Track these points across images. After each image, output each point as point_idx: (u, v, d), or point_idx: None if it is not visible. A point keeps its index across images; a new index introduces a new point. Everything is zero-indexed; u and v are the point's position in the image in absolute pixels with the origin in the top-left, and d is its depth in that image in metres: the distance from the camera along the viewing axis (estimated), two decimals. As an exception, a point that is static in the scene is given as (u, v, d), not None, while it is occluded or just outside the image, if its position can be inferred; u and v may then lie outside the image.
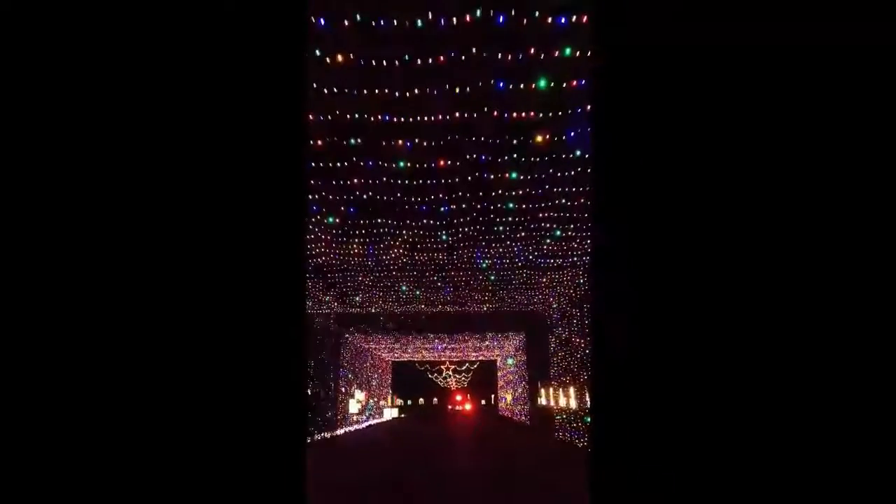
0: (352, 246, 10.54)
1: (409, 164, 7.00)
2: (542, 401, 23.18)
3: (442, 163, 6.99)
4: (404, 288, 14.35)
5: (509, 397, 34.70)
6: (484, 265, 12.47)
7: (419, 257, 11.45)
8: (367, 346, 27.81)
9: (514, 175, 7.46)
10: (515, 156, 6.93)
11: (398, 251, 10.98)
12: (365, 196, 7.95)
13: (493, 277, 13.52)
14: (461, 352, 30.90)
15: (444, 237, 10.04)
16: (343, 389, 24.12)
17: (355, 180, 7.45)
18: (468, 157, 6.94)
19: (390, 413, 37.05)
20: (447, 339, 25.04)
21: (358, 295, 15.27)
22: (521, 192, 7.96)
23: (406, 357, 33.54)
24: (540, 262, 11.87)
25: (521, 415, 27.97)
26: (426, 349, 29.50)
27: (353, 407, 27.34)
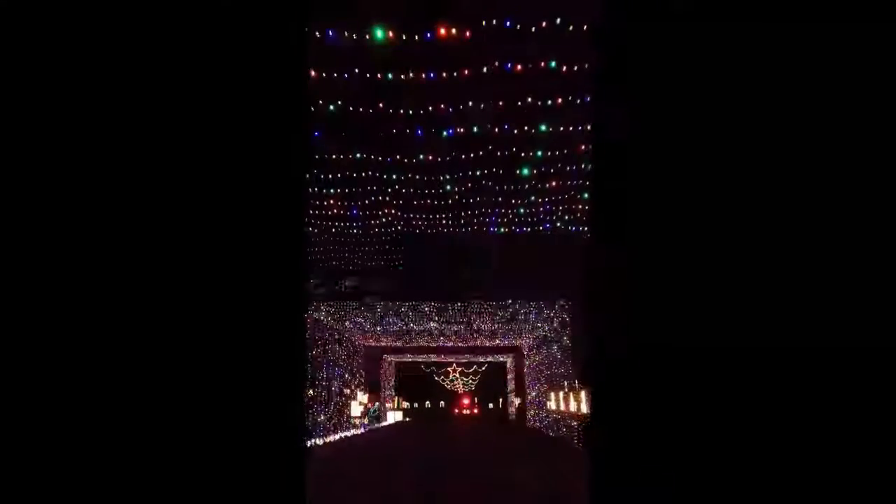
0: (328, 202, 7.97)
1: (391, 34, 4.41)
2: (552, 405, 21.07)
3: (443, 31, 4.39)
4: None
5: (517, 401, 32.58)
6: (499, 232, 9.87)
7: (417, 222, 8.86)
8: (365, 344, 25.22)
9: (553, 64, 4.86)
10: (559, 21, 4.32)
11: (390, 211, 8.41)
12: (331, 105, 5.37)
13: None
14: (469, 352, 28.30)
15: (448, 187, 7.46)
16: (347, 391, 21.59)
17: (312, 72, 4.86)
18: (483, 22, 4.34)
19: (393, 416, 34.57)
20: (454, 338, 22.47)
21: (347, 279, 12.69)
22: (559, 100, 5.37)
23: (410, 358, 30.94)
24: (571, 231, 9.25)
25: (534, 420, 25.30)
26: (431, 349, 26.94)
27: (356, 410, 25.09)
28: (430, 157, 6.44)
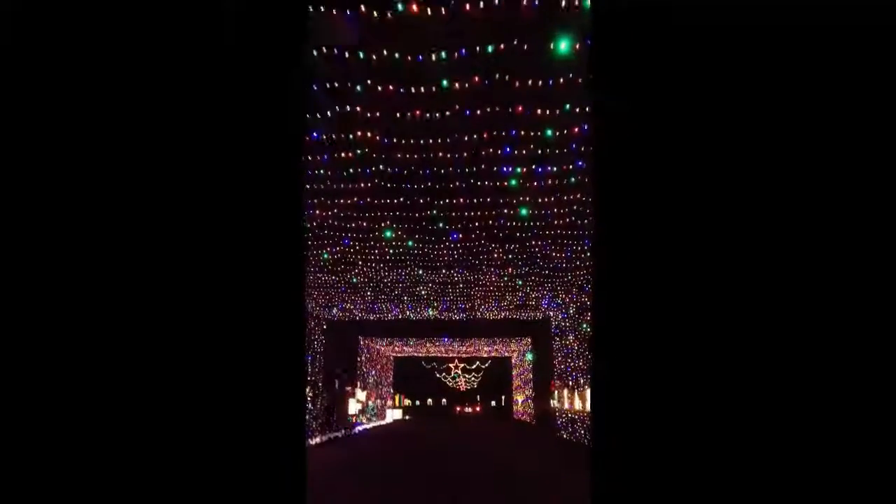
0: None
1: None
2: (556, 403, 19.12)
3: None
4: (389, 233, 9.25)
5: (520, 398, 30.46)
6: (514, 182, 7.36)
7: (403, 153, 6.35)
8: (361, 335, 22.70)
9: None
10: None
11: (364, 135, 5.90)
12: None
13: (524, 212, 8.39)
14: (472, 346, 25.81)
15: (445, 82, 4.96)
16: (339, 386, 19.12)
17: None
18: None
19: (392, 415, 32.16)
20: (456, 329, 19.99)
21: (324, 250, 10.19)
22: None
23: (408, 351, 28.46)
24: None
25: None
26: (432, 343, 24.46)
27: (353, 407, 22.81)
28: (415, 8, 3.91)
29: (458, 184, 7.26)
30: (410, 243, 9.64)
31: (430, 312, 16.35)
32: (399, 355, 30.54)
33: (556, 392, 19.31)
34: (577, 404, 16.35)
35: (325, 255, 10.59)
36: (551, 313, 17.17)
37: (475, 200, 7.82)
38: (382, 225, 8.79)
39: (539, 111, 5.38)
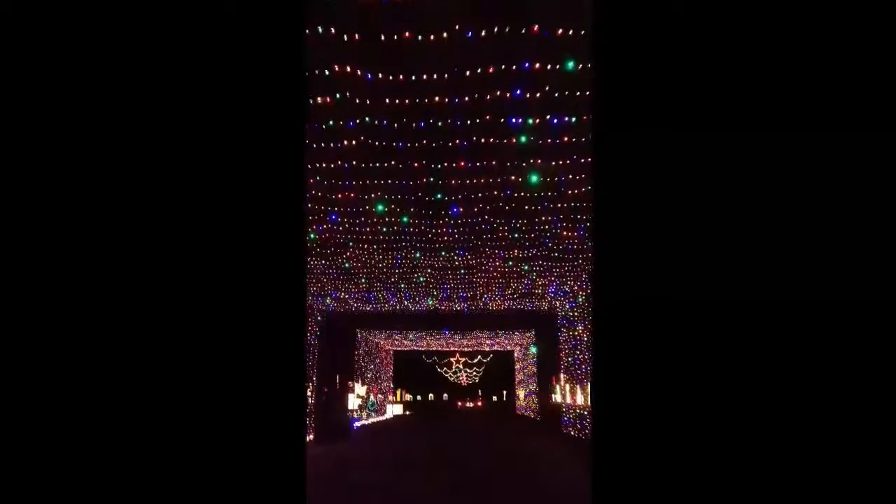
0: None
1: None
2: (557, 398, 18.45)
3: None
4: (381, 207, 8.08)
5: (522, 394, 29.51)
6: (523, 139, 6.20)
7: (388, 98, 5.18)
8: (357, 327, 21.53)
9: None
10: None
11: (348, 69, 4.75)
12: None
13: (534, 179, 7.22)
14: (473, 340, 24.68)
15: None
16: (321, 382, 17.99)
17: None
18: None
19: (392, 410, 31.07)
20: (456, 321, 18.84)
21: (310, 228, 9.02)
22: None
23: (408, 345, 27.33)
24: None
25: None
26: (433, 337, 23.32)
27: (352, 402, 21.75)
28: None
29: (458, 141, 6.09)
30: (406, 219, 8.47)
31: (430, 302, 15.20)
32: (399, 349, 29.42)
33: (557, 387, 18.27)
34: (580, 399, 15.21)
35: (313, 236, 9.44)
36: (557, 303, 16.01)
37: (478, 164, 6.65)
38: (373, 196, 7.63)
39: (560, 31, 4.21)
